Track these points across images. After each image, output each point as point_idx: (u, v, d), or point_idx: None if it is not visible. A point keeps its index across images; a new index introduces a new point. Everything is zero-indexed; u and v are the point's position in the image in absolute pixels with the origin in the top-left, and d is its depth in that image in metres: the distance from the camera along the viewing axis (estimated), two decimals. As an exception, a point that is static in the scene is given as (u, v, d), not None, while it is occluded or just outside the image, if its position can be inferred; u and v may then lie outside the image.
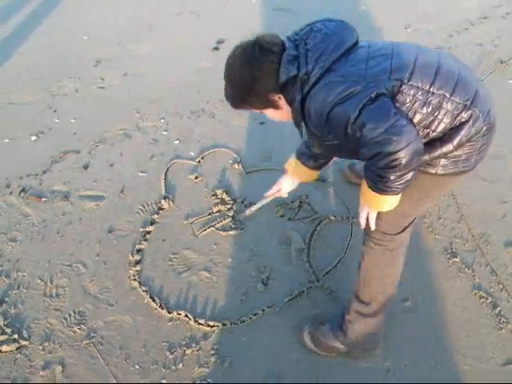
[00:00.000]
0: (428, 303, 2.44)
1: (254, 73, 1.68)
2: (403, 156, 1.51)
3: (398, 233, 1.94)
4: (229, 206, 2.91)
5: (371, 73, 1.59)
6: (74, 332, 2.33)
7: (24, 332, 2.34)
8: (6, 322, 2.37)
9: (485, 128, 1.67)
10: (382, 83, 1.57)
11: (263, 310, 2.41)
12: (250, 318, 2.38)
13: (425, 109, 1.61)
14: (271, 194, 2.46)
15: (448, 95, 1.61)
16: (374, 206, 1.79)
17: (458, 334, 2.33)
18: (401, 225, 1.93)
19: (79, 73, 4.11)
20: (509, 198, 2.94)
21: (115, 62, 4.20)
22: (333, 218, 2.85)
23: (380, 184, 1.64)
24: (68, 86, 3.96)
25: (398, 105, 1.60)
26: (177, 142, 3.38)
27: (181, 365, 2.21)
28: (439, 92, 1.60)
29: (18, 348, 2.28)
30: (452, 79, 1.63)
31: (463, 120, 1.62)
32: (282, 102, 1.78)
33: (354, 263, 2.53)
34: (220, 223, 2.82)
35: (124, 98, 3.80)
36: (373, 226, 1.88)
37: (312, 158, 2.19)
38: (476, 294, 2.48)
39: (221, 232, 2.78)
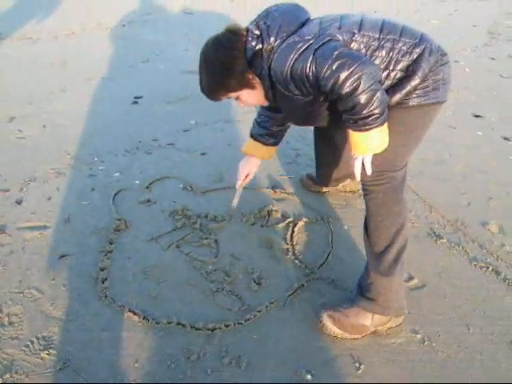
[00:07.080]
0: (435, 278, 2.31)
1: (229, 53, 1.84)
2: (360, 73, 1.61)
3: (396, 170, 1.91)
4: (193, 220, 2.61)
5: (324, 30, 1.76)
6: (41, 359, 1.82)
7: (-25, 369, 1.76)
8: None
9: (440, 57, 1.83)
10: (334, 34, 1.74)
11: (266, 307, 2.09)
12: (255, 316, 2.04)
13: (381, 52, 1.77)
14: (242, 182, 2.51)
15: (397, 37, 1.79)
16: (368, 149, 1.78)
17: (475, 299, 2.20)
18: (398, 163, 1.91)
19: (-8, 128, 3.62)
20: (465, 190, 2.98)
21: (31, 118, 3.75)
22: (307, 219, 2.66)
23: (360, 121, 1.69)
24: (-18, 139, 3.44)
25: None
26: (117, 174, 3.05)
27: (189, 372, 1.79)
28: (389, 37, 1.78)
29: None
30: (397, 27, 1.82)
31: (419, 53, 1.78)
32: (256, 81, 1.90)
33: (345, 255, 2.43)
34: (188, 236, 2.50)
35: (49, 144, 3.37)
36: (369, 170, 1.84)
37: (271, 136, 2.38)
38: (475, 265, 2.39)
39: (192, 243, 2.46)
